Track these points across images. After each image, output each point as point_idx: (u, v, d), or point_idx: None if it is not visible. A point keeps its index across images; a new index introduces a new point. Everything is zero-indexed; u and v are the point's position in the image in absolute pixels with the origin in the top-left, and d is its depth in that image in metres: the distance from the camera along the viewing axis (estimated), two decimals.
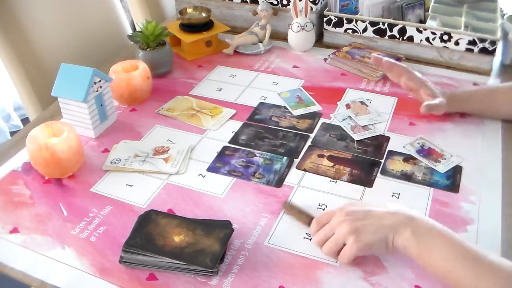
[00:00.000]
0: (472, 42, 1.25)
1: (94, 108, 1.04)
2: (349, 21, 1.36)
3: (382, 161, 0.98)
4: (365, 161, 0.99)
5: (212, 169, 0.97)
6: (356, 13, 1.38)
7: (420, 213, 0.76)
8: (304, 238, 0.82)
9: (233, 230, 0.80)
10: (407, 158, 0.99)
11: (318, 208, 0.88)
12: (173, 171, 0.96)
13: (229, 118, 1.11)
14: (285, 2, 1.42)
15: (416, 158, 0.99)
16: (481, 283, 0.68)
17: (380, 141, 1.04)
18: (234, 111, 1.13)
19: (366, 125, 1.08)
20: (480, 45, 1.24)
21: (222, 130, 1.08)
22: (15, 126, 2.53)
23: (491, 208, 0.88)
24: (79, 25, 1.46)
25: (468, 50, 1.26)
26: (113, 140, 1.05)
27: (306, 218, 0.84)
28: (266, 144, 1.03)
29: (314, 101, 1.17)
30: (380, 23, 1.33)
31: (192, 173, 0.96)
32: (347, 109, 1.13)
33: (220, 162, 0.99)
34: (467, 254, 0.69)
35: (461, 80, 1.24)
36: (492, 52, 1.25)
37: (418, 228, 0.72)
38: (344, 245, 0.75)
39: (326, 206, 0.88)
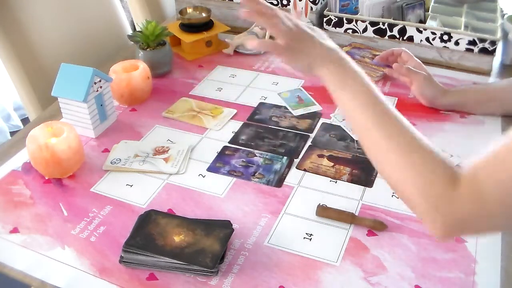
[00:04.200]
0: (472, 42, 1.25)
1: (94, 108, 1.04)
2: (349, 21, 1.36)
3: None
4: (365, 161, 0.98)
5: (212, 169, 0.97)
6: (356, 13, 1.38)
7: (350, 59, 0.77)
8: (304, 238, 0.82)
9: (233, 230, 0.80)
10: None
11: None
12: (173, 171, 0.96)
13: (230, 118, 1.11)
14: (285, 2, 1.42)
15: None
16: (382, 130, 0.69)
17: None
18: (235, 111, 1.13)
19: None
20: (480, 45, 1.24)
21: (222, 130, 1.08)
22: (15, 126, 2.53)
23: None
24: (79, 25, 1.46)
25: (468, 50, 1.26)
26: (113, 140, 1.05)
27: (346, 215, 0.84)
28: (266, 144, 1.03)
29: (314, 101, 1.17)
30: (380, 23, 1.33)
31: (192, 173, 0.96)
32: None
33: (220, 162, 0.99)
34: (376, 102, 0.72)
35: (461, 80, 1.23)
36: (492, 52, 1.25)
37: (342, 68, 0.75)
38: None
39: (326, 206, 0.88)
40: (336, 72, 0.75)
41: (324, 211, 0.86)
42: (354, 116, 0.72)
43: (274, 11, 0.78)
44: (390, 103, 0.73)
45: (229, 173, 0.96)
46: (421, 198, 0.63)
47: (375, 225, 0.83)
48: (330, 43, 0.79)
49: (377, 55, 1.29)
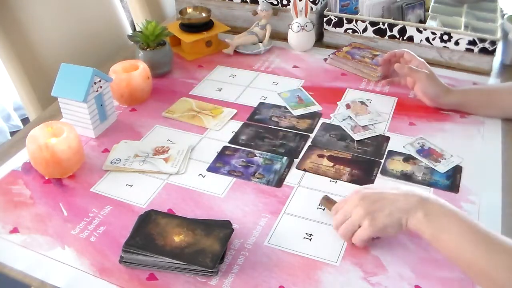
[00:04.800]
0: (472, 42, 1.25)
1: (94, 108, 1.04)
2: (349, 21, 1.36)
3: (382, 161, 0.98)
4: (365, 161, 0.99)
5: (212, 169, 0.97)
6: (356, 13, 1.38)
7: (431, 194, 0.76)
8: (304, 238, 0.82)
9: (233, 230, 0.80)
10: (407, 158, 0.99)
11: (318, 208, 0.88)
12: (173, 171, 0.96)
13: (230, 118, 1.11)
14: (285, 2, 1.42)
15: (416, 158, 0.99)
16: (493, 261, 0.68)
17: (380, 141, 1.04)
18: (235, 111, 1.13)
19: (366, 125, 1.08)
20: (480, 45, 1.24)
21: (222, 130, 1.08)
22: (15, 126, 2.53)
23: (491, 208, 0.87)
24: (79, 25, 1.46)
25: (468, 50, 1.26)
26: (113, 140, 1.05)
27: None
28: (266, 144, 1.03)
29: (314, 101, 1.17)
30: (380, 23, 1.33)
31: (192, 173, 0.96)
32: (347, 109, 1.13)
33: (220, 162, 0.99)
34: (478, 234, 0.70)
35: (461, 80, 1.24)
36: (492, 52, 1.25)
37: (430, 210, 0.73)
38: (359, 227, 0.77)
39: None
40: (427, 220, 0.72)
41: (328, 203, 0.86)
42: (462, 260, 0.71)
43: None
44: (483, 226, 0.72)
45: (229, 173, 0.96)
46: None
47: None
48: (402, 188, 0.77)
49: (377, 55, 1.29)
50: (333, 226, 0.81)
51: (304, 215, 0.87)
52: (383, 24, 1.33)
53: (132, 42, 1.32)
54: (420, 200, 0.74)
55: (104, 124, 1.08)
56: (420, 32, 1.30)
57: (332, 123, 1.10)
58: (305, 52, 1.39)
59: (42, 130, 0.95)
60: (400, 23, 1.31)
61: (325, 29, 1.41)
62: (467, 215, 0.73)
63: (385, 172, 0.95)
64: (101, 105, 1.06)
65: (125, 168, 0.97)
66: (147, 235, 0.79)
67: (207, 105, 1.16)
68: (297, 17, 1.34)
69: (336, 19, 1.37)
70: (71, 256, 0.80)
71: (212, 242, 0.77)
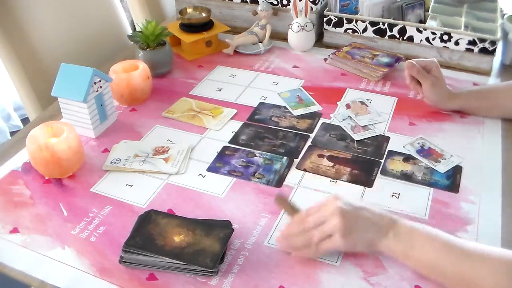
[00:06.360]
0: (472, 42, 1.25)
1: (94, 108, 1.04)
2: (349, 21, 1.36)
3: (382, 161, 0.98)
4: (365, 161, 0.99)
5: (212, 169, 0.97)
6: (356, 13, 1.38)
7: (400, 217, 0.77)
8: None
9: (233, 230, 0.80)
10: (407, 158, 0.99)
11: None
12: (173, 171, 0.96)
13: (230, 118, 1.11)
14: (285, 2, 1.42)
15: (416, 158, 0.99)
16: (477, 269, 0.69)
17: (380, 141, 1.04)
18: (235, 111, 1.13)
19: (366, 125, 1.08)
20: (480, 45, 1.24)
21: (222, 130, 1.08)
22: (15, 126, 2.53)
23: (491, 208, 0.88)
24: (79, 25, 1.46)
25: (468, 50, 1.26)
26: (113, 140, 1.05)
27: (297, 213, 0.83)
28: (266, 144, 1.03)
29: (314, 101, 1.17)
30: (380, 23, 1.33)
31: (192, 173, 0.96)
32: (347, 109, 1.13)
33: (220, 162, 0.99)
34: (450, 246, 0.72)
35: (461, 80, 1.24)
36: (492, 52, 1.25)
37: (400, 230, 0.75)
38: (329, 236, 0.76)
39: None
40: (398, 239, 0.74)
41: (281, 202, 0.84)
42: (437, 272, 0.73)
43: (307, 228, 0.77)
44: (453, 237, 0.74)
45: (229, 173, 0.96)
46: None
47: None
48: (377, 209, 0.78)
49: (377, 55, 1.29)
50: (299, 228, 0.78)
51: None
52: (383, 24, 1.33)
53: (132, 42, 1.32)
54: (391, 222, 0.75)
55: (104, 124, 1.08)
56: (420, 32, 1.30)
57: (332, 123, 1.10)
58: (305, 52, 1.39)
59: (42, 130, 0.95)
60: (400, 23, 1.31)
61: (325, 29, 1.41)
62: (438, 231, 0.74)
63: (385, 172, 0.95)
64: (101, 105, 1.06)
65: (125, 168, 0.97)
66: (147, 235, 0.79)
67: (207, 105, 1.16)
68: (297, 17, 1.34)
69: (336, 19, 1.37)
70: (71, 256, 0.80)
71: (212, 242, 0.77)
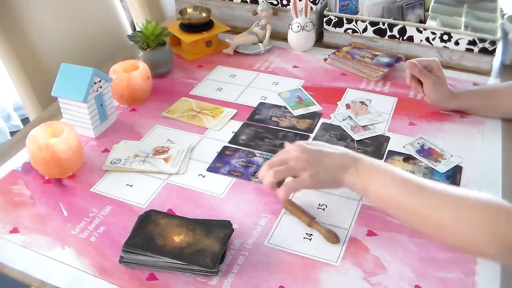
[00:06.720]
0: (472, 42, 1.25)
1: (94, 108, 1.04)
2: (349, 21, 1.36)
3: (382, 161, 0.98)
4: None
5: (212, 169, 0.97)
6: (356, 13, 1.38)
7: (365, 155, 0.82)
8: (304, 238, 0.82)
9: (233, 230, 0.80)
10: (407, 158, 0.99)
11: (318, 208, 0.88)
12: (173, 171, 0.96)
13: (230, 118, 1.11)
14: (285, 2, 1.42)
15: (416, 158, 0.99)
16: (424, 201, 0.73)
17: (380, 141, 1.04)
18: (235, 111, 1.13)
19: (366, 125, 1.08)
20: (480, 45, 1.24)
21: (222, 130, 1.08)
22: (15, 126, 2.53)
23: None
24: (79, 25, 1.46)
25: (468, 50, 1.26)
26: (113, 140, 1.05)
27: (306, 218, 0.84)
28: (266, 144, 1.03)
29: (314, 101, 1.17)
30: (380, 23, 1.33)
31: (192, 173, 0.96)
32: (347, 109, 1.13)
33: (220, 162, 0.99)
34: (407, 181, 0.76)
35: (461, 80, 1.24)
36: (492, 52, 1.25)
37: (362, 166, 0.79)
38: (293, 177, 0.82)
39: (326, 206, 0.88)
40: (358, 174, 0.79)
41: (290, 206, 0.87)
42: (393, 204, 0.77)
43: (276, 162, 0.83)
44: (415, 176, 0.78)
45: (229, 173, 0.96)
46: (492, 247, 0.68)
47: (327, 236, 0.82)
48: (338, 148, 0.83)
49: (377, 55, 1.29)
50: (263, 169, 0.83)
51: None
52: (383, 24, 1.33)
53: (132, 42, 1.32)
54: (355, 159, 0.80)
55: (104, 124, 1.08)
56: (420, 32, 1.30)
57: (332, 123, 1.10)
58: (305, 52, 1.39)
59: (42, 130, 0.95)
60: (400, 23, 1.31)
61: (325, 29, 1.41)
62: (397, 168, 0.79)
63: None
64: (101, 105, 1.06)
65: (125, 168, 0.97)
66: (147, 235, 0.79)
67: (207, 105, 1.16)
68: (297, 17, 1.34)
69: (336, 19, 1.37)
70: (71, 256, 0.80)
71: (212, 242, 0.77)
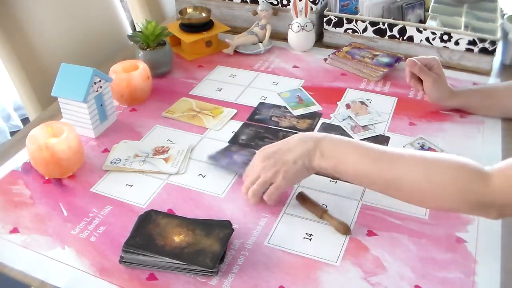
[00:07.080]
0: (472, 42, 1.25)
1: (94, 108, 1.04)
2: (349, 21, 1.36)
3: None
4: None
5: (213, 157, 0.98)
6: (356, 13, 1.38)
7: (327, 134, 0.84)
8: (304, 238, 0.82)
9: (233, 230, 0.80)
10: None
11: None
12: (173, 171, 0.96)
13: (230, 118, 1.11)
14: (285, 2, 1.42)
15: None
16: (396, 170, 0.76)
17: (380, 141, 1.04)
18: (235, 111, 1.13)
19: (366, 125, 1.08)
20: (480, 45, 1.24)
21: (222, 130, 1.08)
22: (15, 126, 2.53)
23: None
24: (79, 25, 1.46)
25: (468, 50, 1.26)
26: (113, 140, 1.05)
27: (319, 210, 0.85)
28: (266, 144, 1.03)
29: (314, 101, 1.17)
30: (380, 23, 1.33)
31: (192, 173, 0.96)
32: (347, 109, 1.13)
33: (223, 154, 0.98)
34: (375, 153, 0.78)
35: (461, 80, 1.24)
36: (492, 52, 1.25)
37: (326, 148, 0.81)
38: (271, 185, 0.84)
39: (326, 206, 0.88)
40: (325, 157, 0.81)
41: (302, 199, 0.88)
42: (366, 181, 0.80)
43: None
44: (378, 145, 0.81)
45: (227, 165, 0.96)
46: (464, 205, 0.73)
47: (339, 228, 0.82)
48: (297, 137, 0.85)
49: (377, 55, 1.29)
50: (244, 193, 0.87)
51: (304, 215, 0.87)
52: (383, 24, 1.33)
53: (132, 42, 1.32)
54: (316, 141, 0.82)
55: (104, 124, 1.08)
56: (420, 32, 1.30)
57: (332, 123, 1.10)
58: (305, 52, 1.39)
59: (42, 130, 0.95)
60: (400, 23, 1.31)
61: (325, 29, 1.41)
62: (361, 142, 0.81)
63: None
64: (101, 105, 1.06)
65: (125, 168, 0.97)
66: (147, 235, 0.79)
67: (207, 105, 1.16)
68: (297, 17, 1.34)
69: (336, 19, 1.37)
70: (71, 256, 0.80)
71: (212, 242, 0.77)
